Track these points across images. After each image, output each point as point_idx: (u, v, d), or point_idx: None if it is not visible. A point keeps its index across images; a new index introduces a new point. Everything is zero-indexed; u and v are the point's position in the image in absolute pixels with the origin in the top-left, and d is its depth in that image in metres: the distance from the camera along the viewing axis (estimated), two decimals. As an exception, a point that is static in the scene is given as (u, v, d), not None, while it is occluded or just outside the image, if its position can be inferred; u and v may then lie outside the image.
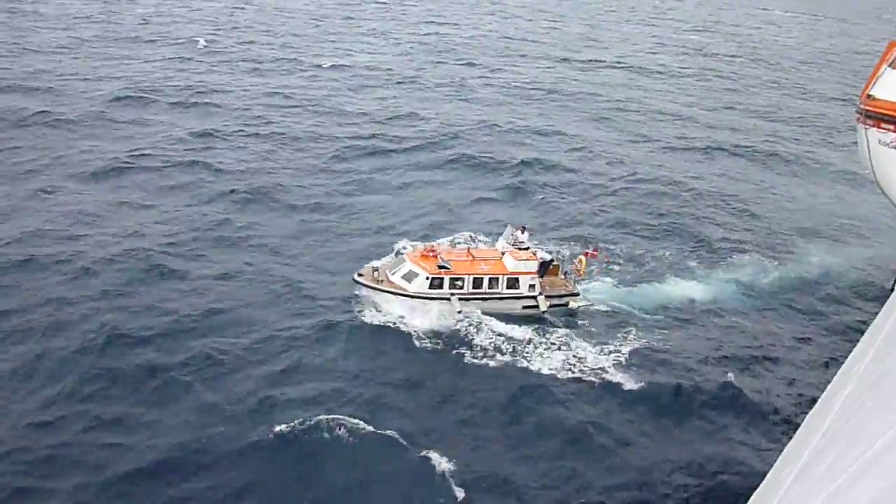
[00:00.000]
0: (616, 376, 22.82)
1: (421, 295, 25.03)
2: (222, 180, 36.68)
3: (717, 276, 30.64)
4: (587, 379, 22.70)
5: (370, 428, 19.38)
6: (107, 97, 49.04)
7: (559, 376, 22.69)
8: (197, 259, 28.66)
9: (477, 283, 25.55)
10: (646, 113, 58.90)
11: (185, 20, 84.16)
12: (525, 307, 26.17)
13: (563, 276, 27.75)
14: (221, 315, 24.75)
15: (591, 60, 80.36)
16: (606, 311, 26.84)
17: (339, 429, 19.25)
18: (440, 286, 25.08)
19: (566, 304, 26.66)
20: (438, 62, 72.63)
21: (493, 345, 23.97)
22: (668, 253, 32.45)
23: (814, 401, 11.76)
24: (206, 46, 69.12)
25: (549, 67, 74.74)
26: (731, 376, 23.32)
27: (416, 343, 23.78)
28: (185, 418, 19.72)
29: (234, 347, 22.91)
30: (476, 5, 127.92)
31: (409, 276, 25.33)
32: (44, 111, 44.64)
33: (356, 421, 19.51)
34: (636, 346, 24.62)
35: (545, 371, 22.88)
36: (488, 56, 78.72)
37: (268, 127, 46.17)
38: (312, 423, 19.37)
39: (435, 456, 18.66)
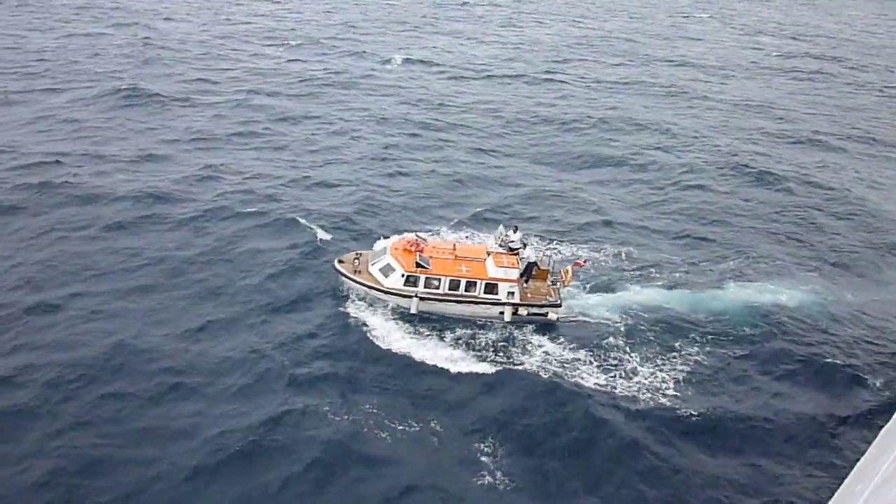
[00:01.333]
0: (668, 397, 22.05)
1: (395, 291, 24.84)
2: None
3: (769, 287, 28.56)
4: (642, 397, 22.00)
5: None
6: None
7: (610, 393, 21.97)
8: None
9: (454, 285, 24.65)
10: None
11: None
12: (501, 313, 25.04)
13: (549, 284, 26.15)
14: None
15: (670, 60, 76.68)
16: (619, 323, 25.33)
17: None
18: (415, 284, 24.67)
19: (545, 315, 25.13)
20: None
21: (538, 362, 23.08)
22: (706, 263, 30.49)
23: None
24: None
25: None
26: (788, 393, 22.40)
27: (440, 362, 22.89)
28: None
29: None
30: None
31: (386, 271, 24.95)
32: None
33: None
34: (684, 364, 23.59)
35: (593, 386, 22.19)
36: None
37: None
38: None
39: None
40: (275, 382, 21.40)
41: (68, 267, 26.79)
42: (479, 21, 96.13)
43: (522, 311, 25.01)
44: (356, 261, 25.67)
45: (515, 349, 23.59)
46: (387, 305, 25.01)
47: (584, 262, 27.03)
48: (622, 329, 25.02)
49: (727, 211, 36.97)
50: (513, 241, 26.27)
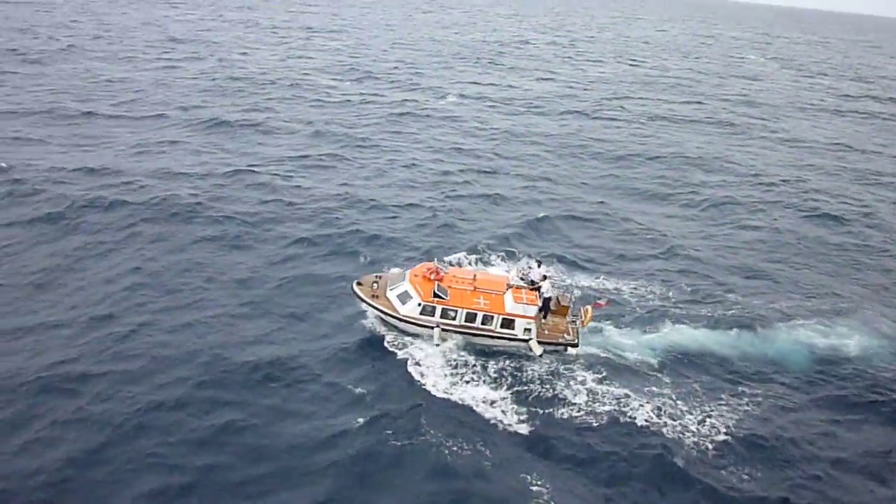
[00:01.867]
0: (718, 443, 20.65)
1: (410, 320, 24.09)
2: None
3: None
4: (690, 441, 20.73)
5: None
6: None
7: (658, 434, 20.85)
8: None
9: (470, 317, 23.96)
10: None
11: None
12: (518, 347, 24.29)
13: (568, 322, 25.24)
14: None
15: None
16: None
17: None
18: (431, 314, 23.99)
19: (563, 351, 24.33)
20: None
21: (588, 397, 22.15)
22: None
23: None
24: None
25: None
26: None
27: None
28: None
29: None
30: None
31: (404, 298, 24.32)
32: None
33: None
34: (735, 407, 22.28)
35: (643, 424, 21.18)
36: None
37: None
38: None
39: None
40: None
41: (202, 274, 28.38)
42: (538, 59, 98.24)
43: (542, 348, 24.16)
44: (375, 284, 24.96)
45: (559, 384, 22.66)
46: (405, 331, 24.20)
47: (606, 302, 26.21)
48: (667, 367, 24.05)
49: (784, 248, 36.09)
50: (531, 276, 25.65)
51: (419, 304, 24.00)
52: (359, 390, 21.71)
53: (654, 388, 23.00)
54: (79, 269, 28.40)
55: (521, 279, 25.53)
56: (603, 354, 24.71)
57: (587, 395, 22.31)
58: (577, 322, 25.07)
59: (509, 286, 24.59)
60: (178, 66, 71.47)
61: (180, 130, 49.10)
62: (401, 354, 23.52)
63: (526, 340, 24.14)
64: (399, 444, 19.57)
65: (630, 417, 21.49)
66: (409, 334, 24.42)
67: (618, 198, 42.90)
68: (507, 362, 23.71)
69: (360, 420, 20.38)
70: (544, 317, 25.19)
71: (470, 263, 30.29)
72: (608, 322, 26.68)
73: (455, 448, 19.51)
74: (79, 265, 28.78)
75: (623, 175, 47.47)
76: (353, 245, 31.99)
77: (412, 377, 22.35)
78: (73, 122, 49.38)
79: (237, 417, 20.26)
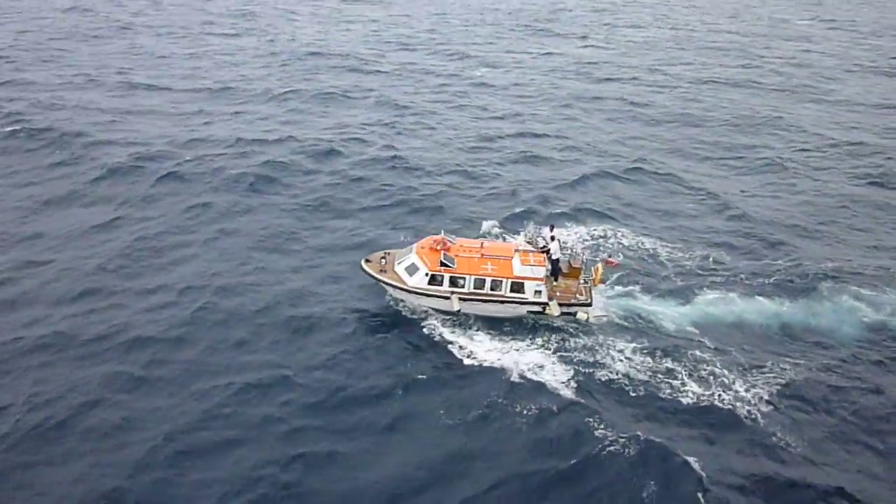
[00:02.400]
0: (765, 414, 20.53)
1: (419, 290, 24.41)
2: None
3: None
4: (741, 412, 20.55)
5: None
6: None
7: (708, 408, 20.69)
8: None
9: (479, 283, 24.06)
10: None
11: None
12: (531, 312, 24.30)
13: (580, 283, 25.14)
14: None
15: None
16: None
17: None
18: (440, 283, 24.21)
19: (574, 314, 24.30)
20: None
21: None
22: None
23: None
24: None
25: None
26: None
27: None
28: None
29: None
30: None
31: (411, 270, 24.57)
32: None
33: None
34: (778, 378, 21.93)
35: (689, 402, 20.98)
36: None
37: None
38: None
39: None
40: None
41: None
42: (579, 24, 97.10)
43: (559, 308, 24.19)
44: (383, 260, 25.33)
45: (600, 353, 22.77)
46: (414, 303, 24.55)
47: (616, 262, 26.05)
48: (707, 335, 23.94)
49: (832, 212, 35.31)
50: (545, 241, 25.59)
51: (426, 275, 24.22)
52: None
53: (696, 354, 22.95)
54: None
55: (529, 243, 25.45)
56: (640, 322, 24.64)
57: (627, 364, 22.39)
58: (589, 282, 25.00)
59: (517, 251, 24.63)
60: (227, 41, 72.72)
61: (252, 104, 50.93)
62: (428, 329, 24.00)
63: (537, 303, 24.15)
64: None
65: (677, 386, 21.51)
66: (425, 309, 24.63)
67: (661, 158, 42.92)
68: (546, 333, 23.88)
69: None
70: (555, 279, 25.12)
71: (499, 236, 30.30)
72: (641, 288, 26.67)
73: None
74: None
75: (666, 137, 47.55)
76: (416, 213, 33.23)
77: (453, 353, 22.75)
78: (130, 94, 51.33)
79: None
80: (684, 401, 21.15)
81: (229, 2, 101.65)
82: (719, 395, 21.32)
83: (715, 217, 34.59)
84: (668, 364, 22.63)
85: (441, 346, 23.25)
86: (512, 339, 23.66)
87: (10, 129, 42.83)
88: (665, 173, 39.75)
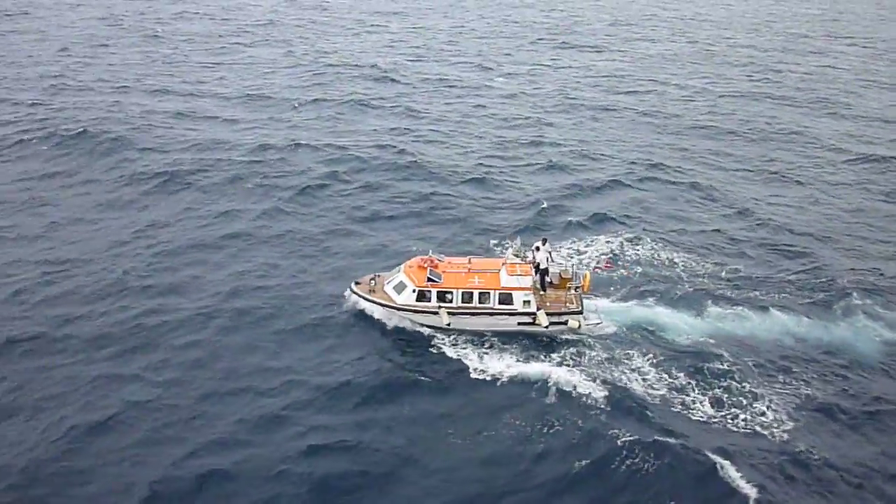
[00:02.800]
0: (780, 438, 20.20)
1: (408, 307, 24.59)
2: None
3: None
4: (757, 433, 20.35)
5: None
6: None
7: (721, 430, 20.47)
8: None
9: (466, 297, 24.22)
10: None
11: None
12: (521, 324, 24.62)
13: (571, 292, 25.17)
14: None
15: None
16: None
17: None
18: (428, 299, 24.36)
19: (565, 323, 24.27)
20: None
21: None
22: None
23: None
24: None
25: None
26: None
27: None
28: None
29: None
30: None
31: (399, 288, 24.85)
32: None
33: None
34: (794, 398, 21.65)
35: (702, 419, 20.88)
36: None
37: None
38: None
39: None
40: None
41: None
42: (598, 36, 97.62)
43: (549, 318, 24.10)
44: (372, 282, 25.63)
45: (611, 367, 22.76)
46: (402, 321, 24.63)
47: (608, 265, 25.91)
48: (724, 355, 23.52)
49: (854, 227, 35.07)
50: (538, 256, 25.54)
51: (414, 291, 24.40)
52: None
53: (711, 369, 22.83)
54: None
55: (516, 256, 25.60)
56: (653, 336, 24.58)
57: (642, 381, 22.27)
58: (579, 290, 24.97)
59: (504, 264, 24.83)
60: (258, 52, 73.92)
61: (277, 111, 52.57)
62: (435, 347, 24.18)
63: (527, 313, 24.20)
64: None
65: (689, 405, 21.43)
66: (418, 328, 24.71)
67: (678, 166, 43.19)
68: (542, 349, 23.96)
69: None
70: (543, 290, 25.20)
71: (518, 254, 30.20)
72: (657, 300, 26.70)
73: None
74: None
75: (687, 146, 47.94)
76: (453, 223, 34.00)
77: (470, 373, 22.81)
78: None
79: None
80: (695, 416, 21.19)
81: (254, 13, 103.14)
82: (733, 412, 21.27)
83: (733, 226, 34.74)
84: (682, 376, 22.65)
85: (449, 359, 23.54)
86: (517, 352, 23.83)
87: (42, 132, 43.97)
88: (682, 182, 40.03)
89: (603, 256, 29.92)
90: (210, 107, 52.88)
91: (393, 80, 63.64)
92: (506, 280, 24.32)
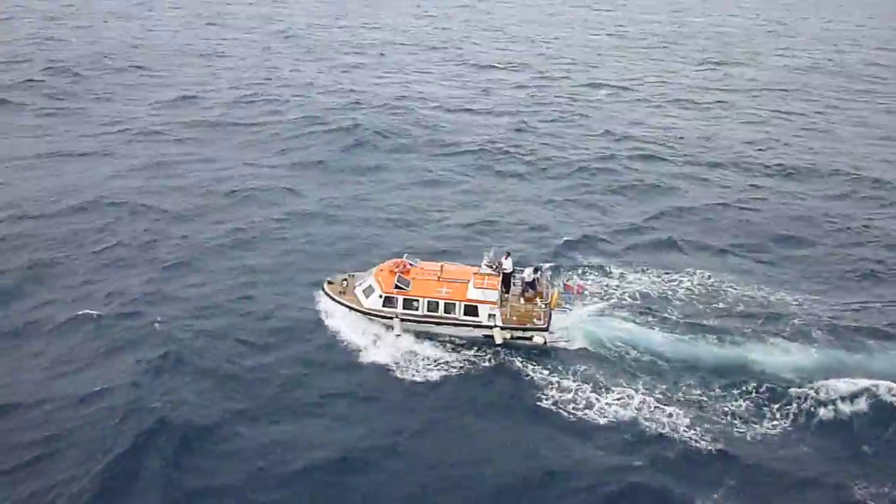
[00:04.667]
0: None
1: (374, 312, 24.50)
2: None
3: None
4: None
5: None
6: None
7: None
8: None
9: (433, 306, 24.06)
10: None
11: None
12: (486, 336, 24.26)
13: (541, 307, 24.34)
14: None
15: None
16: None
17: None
18: (394, 305, 24.26)
19: (530, 338, 23.97)
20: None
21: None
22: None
23: None
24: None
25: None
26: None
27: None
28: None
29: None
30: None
31: (368, 292, 24.68)
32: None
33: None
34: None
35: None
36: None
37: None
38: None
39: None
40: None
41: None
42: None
43: (506, 334, 23.89)
44: (345, 282, 25.48)
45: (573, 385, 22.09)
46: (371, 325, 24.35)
47: (579, 287, 25.61)
48: (714, 378, 22.53)
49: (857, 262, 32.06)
50: (505, 268, 25.05)
51: (380, 296, 24.31)
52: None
53: (696, 397, 22.04)
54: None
55: (490, 266, 25.00)
56: (643, 360, 23.84)
57: (615, 412, 21.42)
58: (547, 306, 24.32)
59: (475, 274, 24.41)
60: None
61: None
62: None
63: (491, 327, 24.00)
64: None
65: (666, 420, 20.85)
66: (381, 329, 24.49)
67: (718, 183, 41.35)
68: (488, 357, 23.69)
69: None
70: (506, 291, 24.81)
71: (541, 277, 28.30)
72: (650, 322, 25.68)
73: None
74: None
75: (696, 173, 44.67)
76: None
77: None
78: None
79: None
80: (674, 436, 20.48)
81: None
82: (709, 431, 20.59)
83: (723, 253, 32.89)
84: (649, 396, 21.97)
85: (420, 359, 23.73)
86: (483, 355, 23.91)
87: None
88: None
89: (577, 278, 28.78)
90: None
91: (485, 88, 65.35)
92: (473, 292, 24.21)
